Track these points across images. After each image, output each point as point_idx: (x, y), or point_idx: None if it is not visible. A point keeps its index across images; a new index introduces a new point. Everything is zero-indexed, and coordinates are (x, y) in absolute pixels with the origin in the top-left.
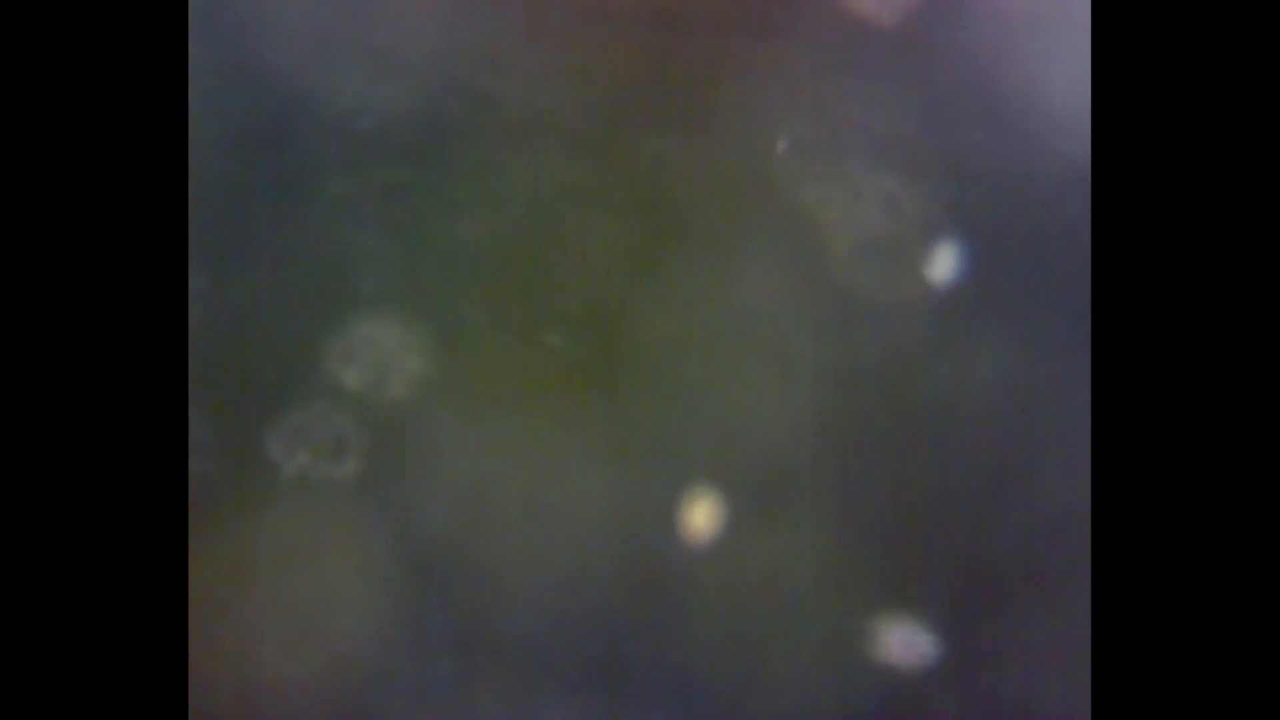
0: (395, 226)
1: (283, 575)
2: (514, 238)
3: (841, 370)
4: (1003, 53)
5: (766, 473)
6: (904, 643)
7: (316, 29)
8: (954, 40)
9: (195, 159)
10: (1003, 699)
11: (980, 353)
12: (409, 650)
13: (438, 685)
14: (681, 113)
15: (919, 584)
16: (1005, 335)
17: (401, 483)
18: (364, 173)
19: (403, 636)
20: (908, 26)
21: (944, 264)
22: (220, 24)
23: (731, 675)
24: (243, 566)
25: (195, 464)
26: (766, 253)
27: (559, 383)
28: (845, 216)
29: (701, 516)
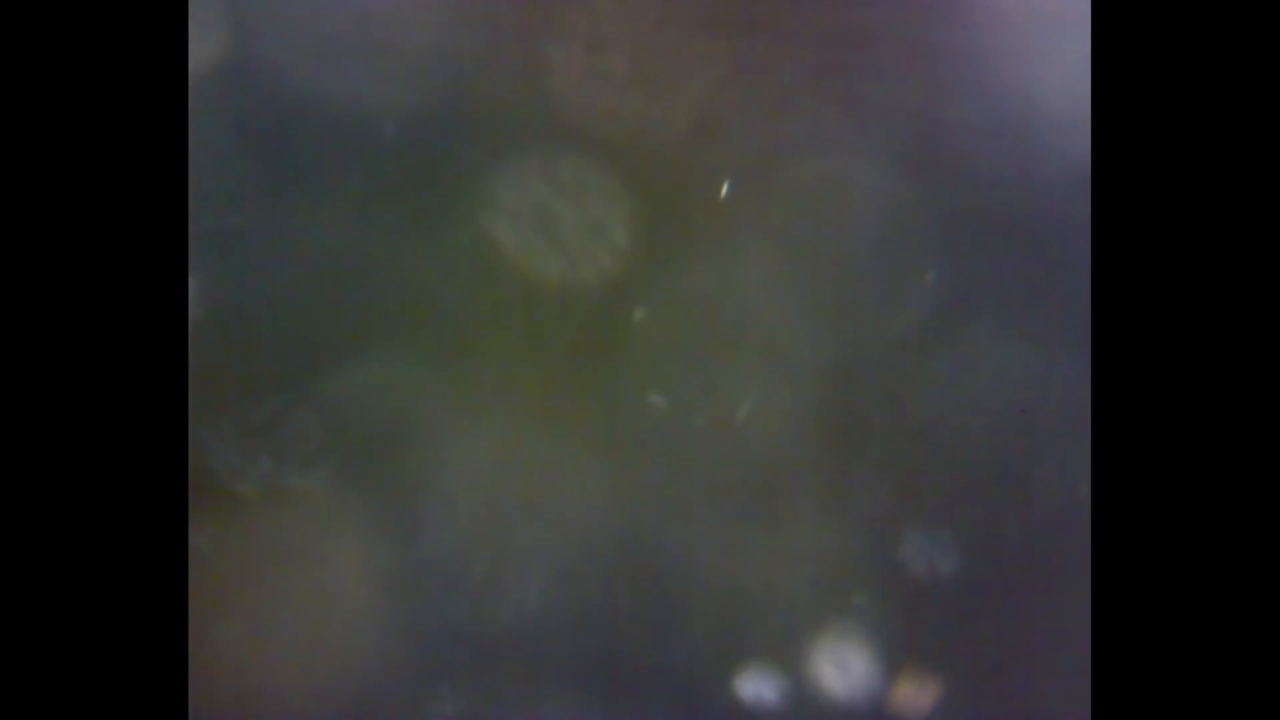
0: (395, 226)
1: (282, 576)
2: (514, 238)
3: (841, 370)
4: (1003, 53)
5: (766, 472)
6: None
7: (316, 29)
8: (954, 40)
9: (195, 159)
10: (1003, 698)
11: (980, 353)
12: (408, 651)
13: (438, 685)
14: (681, 112)
15: (918, 584)
16: (1005, 335)
17: (401, 483)
18: (363, 173)
19: (402, 637)
20: (908, 26)
21: None
22: (220, 23)
23: (731, 675)
24: (241, 567)
25: (194, 464)
26: (766, 252)
27: (559, 383)
28: (845, 217)
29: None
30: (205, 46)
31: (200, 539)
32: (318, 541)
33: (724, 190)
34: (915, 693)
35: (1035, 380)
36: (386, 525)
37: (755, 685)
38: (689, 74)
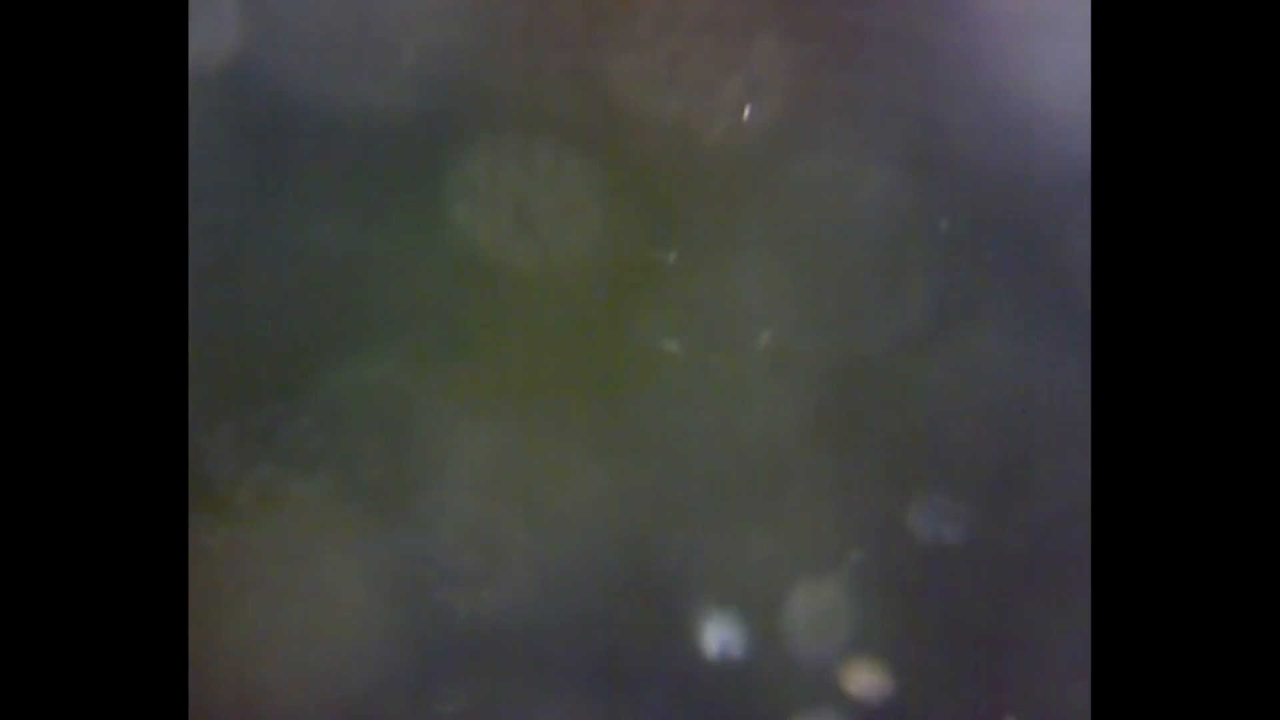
0: (394, 226)
1: (282, 576)
2: (513, 237)
3: (841, 370)
4: (1003, 53)
5: (766, 472)
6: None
7: (316, 29)
8: (954, 40)
9: (195, 159)
10: (1003, 699)
11: (980, 353)
12: (408, 651)
13: (437, 685)
14: (682, 112)
15: (918, 584)
16: (1005, 335)
17: (401, 483)
18: (363, 173)
19: (402, 637)
20: (908, 26)
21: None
22: (220, 23)
23: (731, 675)
24: (241, 567)
25: (194, 464)
26: (766, 252)
27: (559, 383)
28: (845, 216)
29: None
30: (205, 45)
31: (212, 539)
32: (317, 543)
33: (745, 114)
34: (869, 679)
35: (1035, 380)
36: (385, 526)
37: (720, 638)
38: (689, 74)
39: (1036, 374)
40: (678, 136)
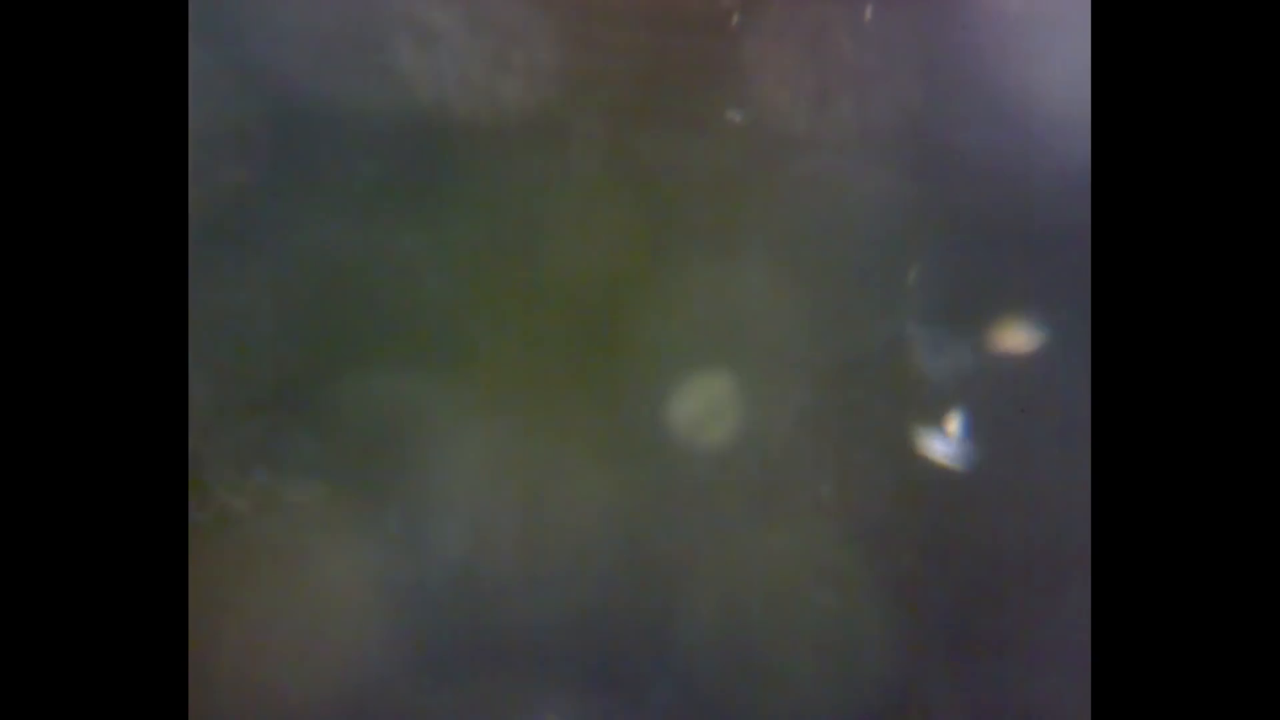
0: (395, 226)
1: (283, 577)
2: (513, 237)
3: (840, 370)
4: (1003, 53)
5: (766, 471)
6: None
7: (316, 29)
8: (954, 40)
9: (195, 159)
10: (1002, 699)
11: (980, 352)
12: (409, 651)
13: (438, 686)
14: (682, 112)
15: (918, 583)
16: (1005, 334)
17: (401, 483)
18: (363, 173)
19: (403, 638)
20: (908, 27)
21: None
22: (220, 24)
23: (731, 675)
24: (242, 568)
25: (195, 464)
26: (766, 252)
27: (559, 383)
28: (845, 216)
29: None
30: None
31: (202, 514)
32: (321, 546)
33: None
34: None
35: (1035, 380)
36: (387, 530)
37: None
38: (690, 74)
39: (1036, 373)
40: (677, 134)
